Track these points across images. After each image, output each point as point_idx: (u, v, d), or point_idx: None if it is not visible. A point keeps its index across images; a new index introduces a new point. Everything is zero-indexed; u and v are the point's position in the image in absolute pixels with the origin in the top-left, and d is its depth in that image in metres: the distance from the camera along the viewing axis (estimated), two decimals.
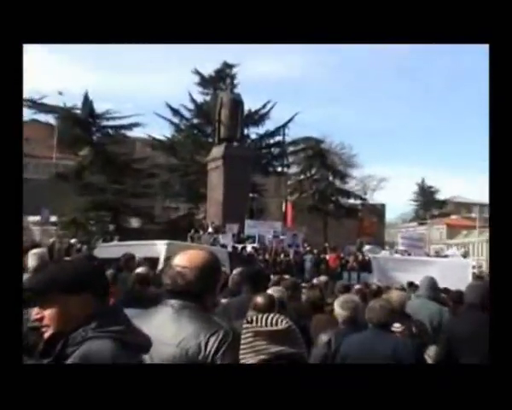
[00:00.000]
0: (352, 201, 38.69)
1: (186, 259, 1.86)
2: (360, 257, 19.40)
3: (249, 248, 19.28)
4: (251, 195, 26.34)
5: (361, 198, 39.81)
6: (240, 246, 19.04)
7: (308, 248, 20.28)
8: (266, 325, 1.68)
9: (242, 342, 1.67)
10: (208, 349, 1.70)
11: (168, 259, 5.83)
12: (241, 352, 1.67)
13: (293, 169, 38.44)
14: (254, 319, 1.71)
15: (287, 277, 7.33)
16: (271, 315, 1.76)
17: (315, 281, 7.46)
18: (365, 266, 17.79)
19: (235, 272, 5.97)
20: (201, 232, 22.13)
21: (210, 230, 22.12)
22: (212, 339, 1.71)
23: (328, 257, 19.55)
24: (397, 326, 3.43)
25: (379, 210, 41.42)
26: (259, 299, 3.17)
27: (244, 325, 1.70)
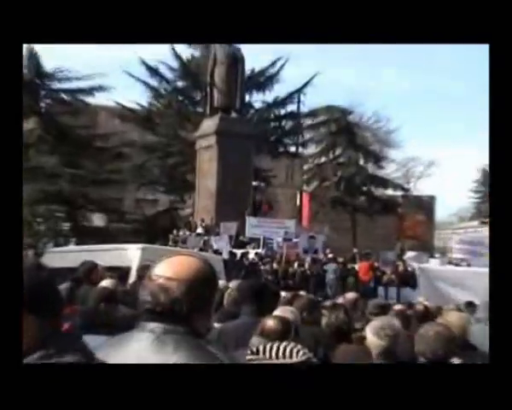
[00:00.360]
0: (390, 192, 38.77)
1: (171, 268, 1.88)
2: (401, 267, 19.53)
3: (252, 254, 19.47)
4: (254, 183, 26.48)
5: (402, 188, 39.93)
6: (239, 252, 19.25)
7: (331, 256, 20.43)
8: (277, 357, 1.71)
9: None
10: None
11: (144, 268, 5.86)
12: None
13: (312, 149, 38.56)
14: (261, 349, 1.73)
15: (302, 293, 7.49)
16: (283, 344, 1.79)
17: (340, 299, 7.54)
18: (408, 280, 17.90)
19: (232, 286, 6.11)
20: (188, 233, 22.26)
21: (199, 230, 22.28)
22: None
23: (357, 267, 19.71)
24: (457, 361, 3.42)
25: (426, 204, 41.53)
26: (270, 323, 3.22)
27: (248, 357, 1.72)
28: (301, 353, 1.77)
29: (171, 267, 1.88)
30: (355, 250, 22.91)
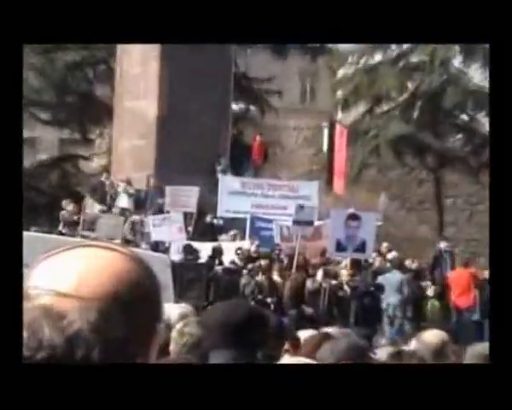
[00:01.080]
0: None
1: (68, 276, 1.97)
2: None
3: (230, 252, 20.63)
4: (236, 107, 27.27)
5: None
6: (204, 247, 20.40)
7: (392, 256, 21.46)
8: None
9: None
10: None
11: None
12: None
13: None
14: None
15: (333, 331, 8.11)
16: None
17: (412, 345, 8.00)
18: None
19: (190, 316, 7.03)
20: (98, 208, 23.56)
21: (122, 201, 23.51)
22: None
23: (448, 280, 20.68)
24: None
25: None
26: None
27: None
28: None
29: (69, 274, 1.96)
30: (442, 246, 23.33)
